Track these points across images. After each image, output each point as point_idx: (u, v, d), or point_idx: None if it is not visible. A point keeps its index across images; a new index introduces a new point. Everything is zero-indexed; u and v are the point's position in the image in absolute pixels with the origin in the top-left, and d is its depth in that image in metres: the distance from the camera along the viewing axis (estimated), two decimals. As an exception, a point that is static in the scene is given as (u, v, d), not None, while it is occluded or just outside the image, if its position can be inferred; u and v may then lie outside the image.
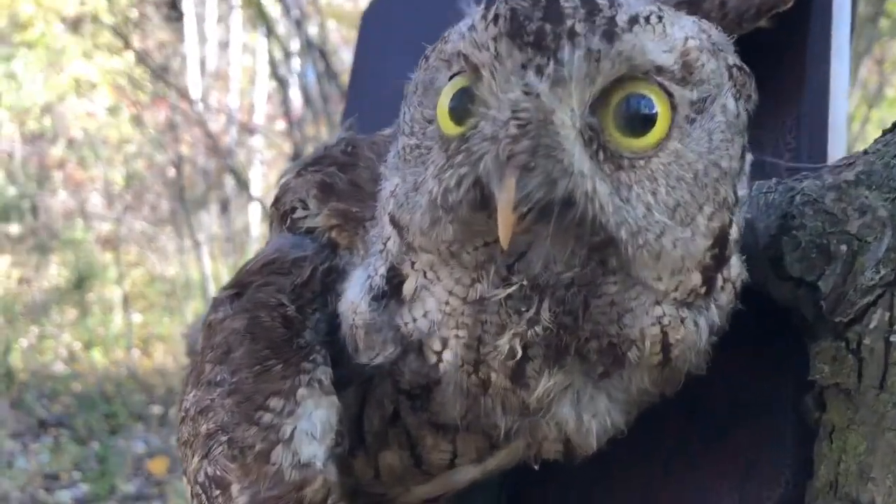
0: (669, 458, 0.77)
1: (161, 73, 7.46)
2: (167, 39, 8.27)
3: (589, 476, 0.79)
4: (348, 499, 0.71)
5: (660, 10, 0.48)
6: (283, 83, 6.73)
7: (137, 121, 8.21)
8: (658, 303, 0.50)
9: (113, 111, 9.09)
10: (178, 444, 0.65)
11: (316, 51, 5.57)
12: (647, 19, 0.46)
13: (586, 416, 0.55)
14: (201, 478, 0.57)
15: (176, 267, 9.36)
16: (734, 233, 0.52)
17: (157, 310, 9.46)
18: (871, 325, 0.56)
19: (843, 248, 0.59)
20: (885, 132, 0.63)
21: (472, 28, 0.47)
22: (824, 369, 0.60)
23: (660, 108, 0.46)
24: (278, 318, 0.60)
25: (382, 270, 0.55)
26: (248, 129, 9.33)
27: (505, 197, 0.43)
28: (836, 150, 0.79)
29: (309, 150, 6.99)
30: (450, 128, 0.49)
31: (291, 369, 0.57)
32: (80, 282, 8.48)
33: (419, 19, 1.16)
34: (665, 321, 0.50)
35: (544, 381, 0.52)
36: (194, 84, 9.29)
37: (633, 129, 0.47)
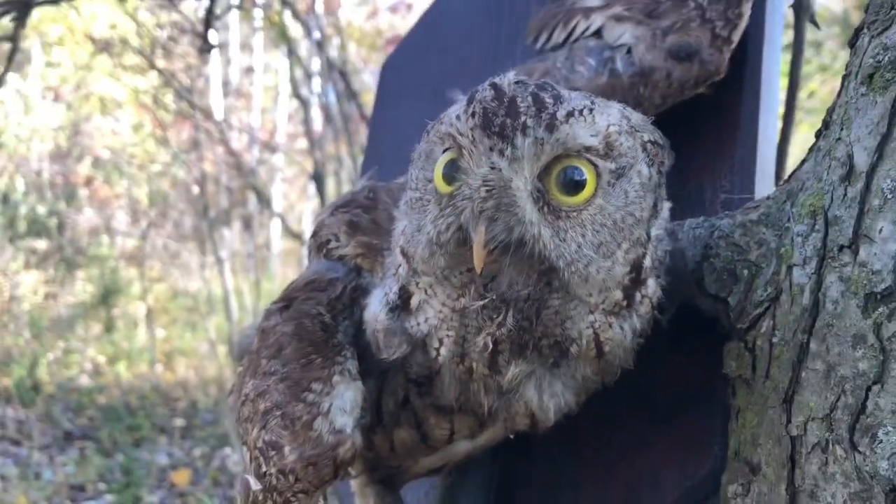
0: (625, 441, 0.94)
1: (185, 94, 7.65)
2: (192, 62, 8.48)
3: (563, 455, 0.98)
4: (370, 470, 0.91)
5: (592, 103, 0.67)
6: (304, 103, 6.88)
7: (162, 140, 8.36)
8: (591, 312, 0.69)
9: (137, 129, 9.24)
10: (239, 423, 0.84)
11: (336, 71, 5.71)
12: (581, 112, 0.65)
13: (546, 396, 0.74)
14: (260, 444, 0.76)
15: (198, 282, 9.49)
16: (647, 262, 0.70)
17: (180, 325, 9.58)
18: (762, 331, 0.74)
19: (746, 272, 0.77)
20: (783, 181, 0.82)
21: (458, 117, 0.66)
22: (732, 365, 0.78)
23: (588, 175, 0.65)
24: (318, 324, 0.79)
25: (395, 289, 0.74)
26: (269, 148, 9.51)
27: (478, 239, 0.63)
28: (763, 192, 0.96)
29: (329, 168, 7.12)
30: (443, 187, 0.68)
31: (328, 362, 0.76)
32: (106, 297, 8.59)
33: (431, 71, 1.36)
34: (596, 325, 0.69)
35: (512, 368, 0.71)
36: (217, 104, 9.51)
37: (569, 190, 0.66)
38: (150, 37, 7.55)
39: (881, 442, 0.62)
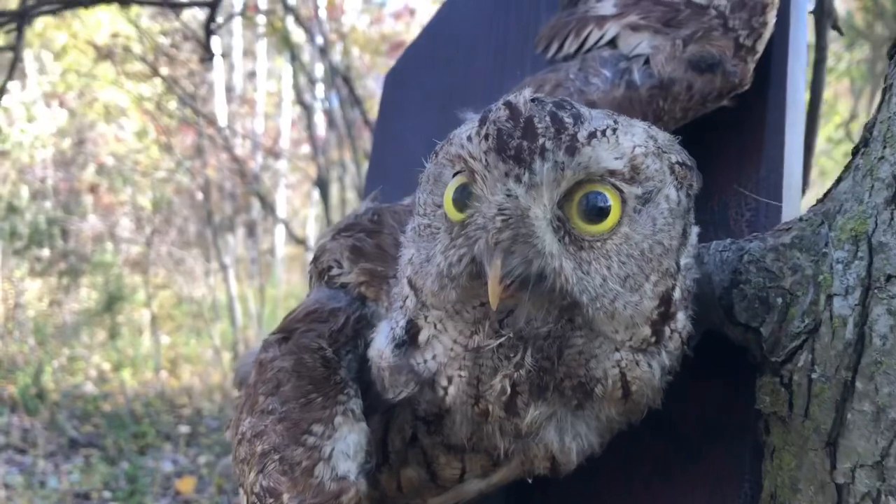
0: (650, 475, 0.89)
1: (189, 101, 7.63)
2: (195, 68, 8.45)
3: (583, 490, 0.92)
4: (375, 509, 0.85)
5: (615, 122, 0.62)
6: (307, 109, 6.85)
7: (166, 146, 8.36)
8: (617, 349, 0.63)
9: (141, 135, 9.24)
10: (235, 463, 0.79)
11: (339, 77, 5.67)
12: (604, 133, 0.60)
13: (567, 438, 0.68)
14: (257, 489, 0.71)
15: (203, 289, 9.47)
16: (677, 294, 0.65)
17: (185, 331, 9.57)
18: (799, 365, 0.68)
19: (780, 300, 0.71)
20: (817, 201, 0.76)
21: (469, 139, 0.61)
22: (766, 400, 0.72)
23: (612, 201, 0.60)
24: (319, 359, 0.74)
25: (402, 323, 0.69)
26: (273, 154, 9.50)
27: (493, 273, 0.57)
28: (790, 209, 0.91)
29: (333, 174, 7.09)
30: (454, 214, 0.62)
31: (330, 401, 0.71)
32: (110, 304, 8.58)
33: (436, 82, 1.31)
34: (623, 364, 0.64)
35: (532, 410, 0.65)
36: (221, 110, 9.48)
37: (591, 218, 0.60)
38: (153, 42, 7.53)
39: (939, 494, 0.56)
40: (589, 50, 1.00)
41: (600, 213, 0.60)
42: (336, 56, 7.01)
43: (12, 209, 7.84)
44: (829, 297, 0.66)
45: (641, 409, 0.69)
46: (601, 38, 0.99)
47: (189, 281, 10.11)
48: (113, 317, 8.62)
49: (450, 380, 0.66)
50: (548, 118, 0.59)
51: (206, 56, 2.49)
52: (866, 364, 0.62)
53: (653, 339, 0.64)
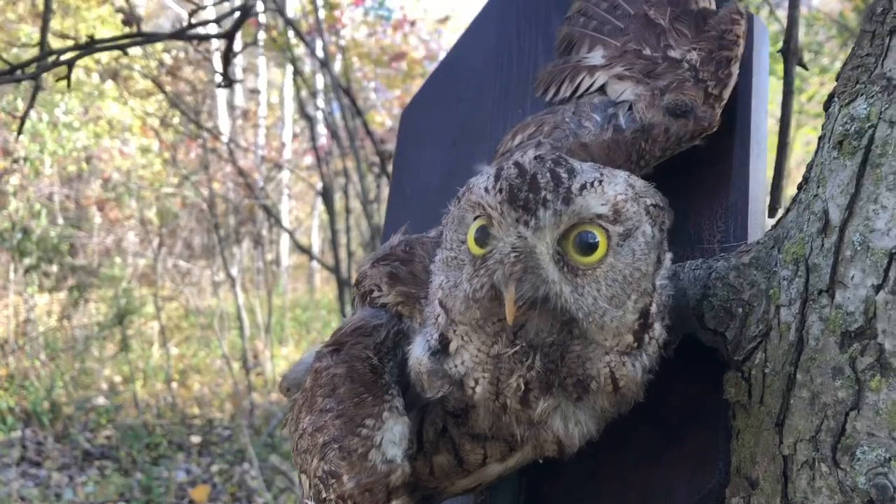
0: (640, 458, 1.05)
1: (192, 116, 7.75)
2: (199, 86, 8.59)
3: (583, 472, 1.08)
4: (411, 491, 1.02)
5: (601, 175, 0.78)
6: (310, 120, 6.98)
7: (171, 161, 8.49)
8: (607, 353, 0.80)
9: (145, 151, 9.34)
10: (297, 453, 0.95)
11: (340, 89, 5.79)
12: (592, 184, 0.76)
13: (570, 425, 0.85)
14: (320, 473, 0.87)
15: (210, 300, 9.58)
16: (654, 309, 0.81)
17: (194, 342, 9.68)
18: (755, 362, 0.85)
19: (740, 310, 0.88)
20: (771, 227, 0.93)
21: (487, 191, 0.77)
22: (731, 391, 0.88)
23: (600, 238, 0.76)
24: (367, 366, 0.91)
25: (436, 336, 0.85)
26: (276, 166, 9.64)
27: (508, 296, 0.73)
28: (755, 230, 1.07)
29: (336, 184, 7.18)
30: (475, 249, 0.79)
31: (378, 400, 0.87)
32: (121, 318, 8.66)
33: (445, 118, 1.48)
34: (612, 364, 0.80)
35: (542, 403, 0.81)
36: (224, 124, 9.61)
37: (584, 252, 0.76)
38: (159, 57, 7.66)
39: (859, 460, 0.72)
40: (581, 95, 1.17)
41: (591, 248, 0.76)
42: (337, 67, 7.13)
43: (26, 233, 7.95)
44: (777, 308, 0.83)
45: (629, 401, 0.85)
46: (592, 84, 1.15)
47: (196, 292, 10.24)
48: (123, 330, 8.73)
49: (476, 381, 0.82)
50: (548, 174, 0.75)
51: (225, 83, 2.66)
52: (804, 360, 0.78)
53: (635, 345, 0.80)
